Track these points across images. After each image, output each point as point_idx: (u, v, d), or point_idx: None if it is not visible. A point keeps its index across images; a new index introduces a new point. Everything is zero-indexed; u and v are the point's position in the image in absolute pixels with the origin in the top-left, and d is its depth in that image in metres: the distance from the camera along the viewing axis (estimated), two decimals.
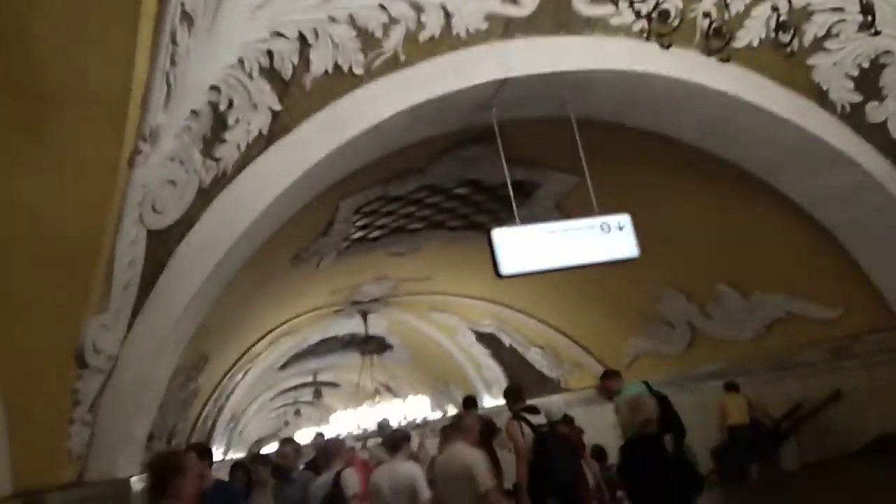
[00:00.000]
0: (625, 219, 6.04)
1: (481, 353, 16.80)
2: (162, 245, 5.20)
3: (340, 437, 7.11)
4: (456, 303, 14.78)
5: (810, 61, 6.49)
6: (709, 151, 7.13)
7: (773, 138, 6.70)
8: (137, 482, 5.34)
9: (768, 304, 9.27)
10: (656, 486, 4.56)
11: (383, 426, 7.69)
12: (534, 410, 6.88)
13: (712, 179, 7.74)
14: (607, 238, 5.95)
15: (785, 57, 6.40)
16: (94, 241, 4.54)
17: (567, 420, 7.52)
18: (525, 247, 5.78)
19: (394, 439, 5.98)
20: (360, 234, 9.29)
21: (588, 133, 6.35)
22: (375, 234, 9.59)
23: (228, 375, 12.30)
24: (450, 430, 5.58)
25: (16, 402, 4.32)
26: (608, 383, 7.49)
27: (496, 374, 16.80)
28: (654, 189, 8.13)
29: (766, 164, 7.17)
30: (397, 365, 20.60)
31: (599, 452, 9.36)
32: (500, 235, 5.74)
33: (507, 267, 5.70)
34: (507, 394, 7.57)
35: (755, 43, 6.30)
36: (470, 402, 9.81)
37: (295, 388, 24.64)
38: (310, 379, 23.57)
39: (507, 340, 15.51)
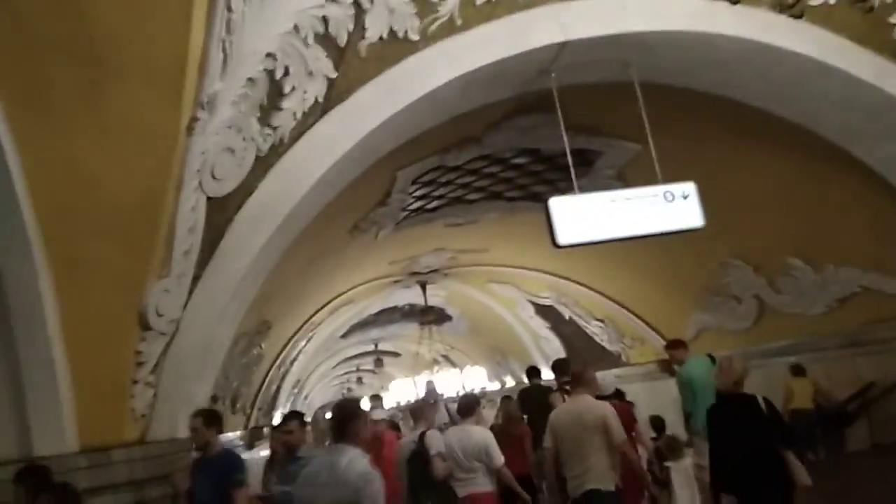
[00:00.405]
0: (689, 187, 5.80)
1: (540, 325, 16.71)
2: (221, 212, 5.29)
3: (425, 402, 7.49)
4: (515, 274, 14.71)
5: (892, 19, 6.09)
6: (779, 115, 6.80)
7: (849, 101, 6.35)
8: None
9: (841, 278, 8.87)
10: (750, 444, 4.51)
11: (430, 390, 7.98)
12: None
13: (783, 145, 7.40)
14: (671, 207, 5.74)
15: (863, 14, 6.03)
16: (155, 208, 4.63)
17: (618, 395, 7.48)
18: (584, 216, 5.62)
19: (465, 403, 6.24)
20: (417, 204, 9.28)
21: (651, 98, 6.12)
22: (433, 204, 9.57)
23: (291, 342, 12.57)
24: (574, 383, 5.66)
25: (82, 362, 4.48)
26: (674, 352, 7.50)
27: (555, 347, 16.69)
28: (720, 156, 7.83)
29: (842, 128, 6.80)
30: (456, 335, 20.70)
31: (658, 423, 9.24)
32: (558, 204, 5.59)
33: (564, 237, 5.56)
34: (555, 366, 7.69)
35: None
36: (533, 372, 9.79)
37: (357, 356, 25.14)
38: (371, 348, 24.02)
39: (566, 313, 15.36)
